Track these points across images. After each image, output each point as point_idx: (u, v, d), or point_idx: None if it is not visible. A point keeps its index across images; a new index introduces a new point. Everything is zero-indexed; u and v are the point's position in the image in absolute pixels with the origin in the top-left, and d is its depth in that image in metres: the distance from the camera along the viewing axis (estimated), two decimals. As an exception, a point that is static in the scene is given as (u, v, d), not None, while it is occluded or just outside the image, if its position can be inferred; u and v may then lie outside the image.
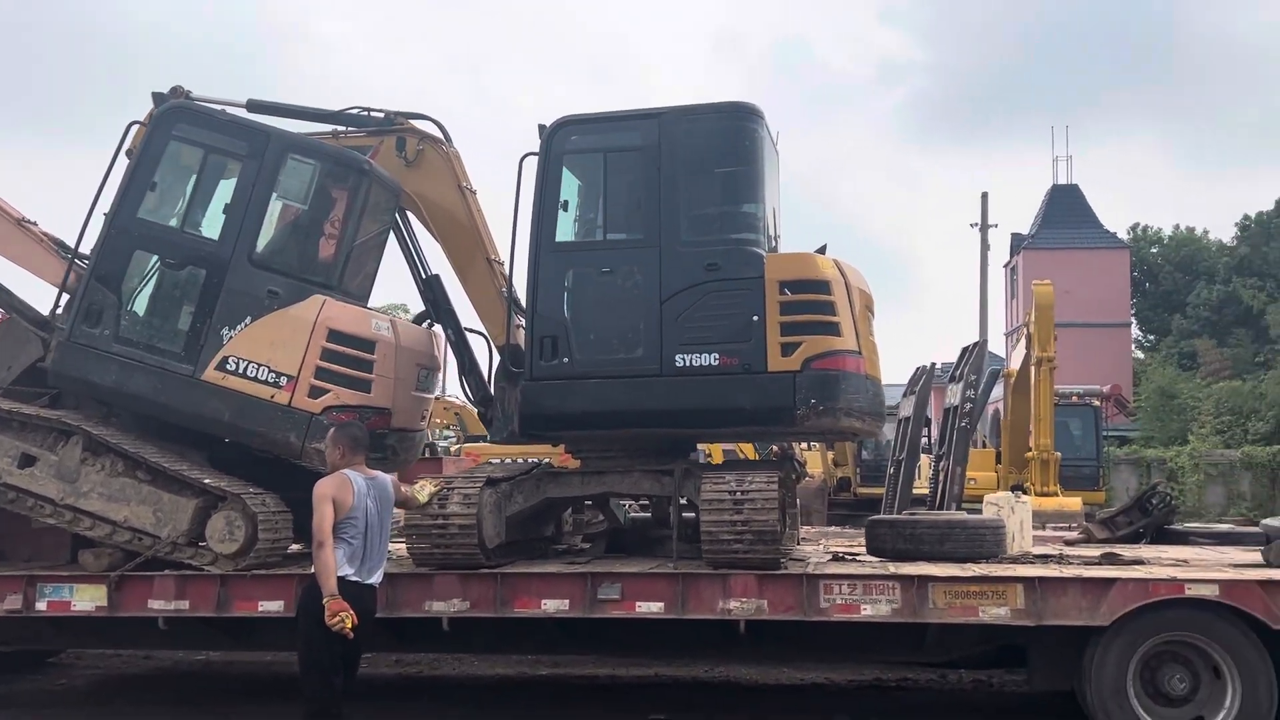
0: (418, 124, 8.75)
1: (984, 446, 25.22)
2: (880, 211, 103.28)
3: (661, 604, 6.83)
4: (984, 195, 33.86)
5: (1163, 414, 36.21)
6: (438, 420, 24.21)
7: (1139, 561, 7.55)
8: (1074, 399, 24.07)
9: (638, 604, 6.84)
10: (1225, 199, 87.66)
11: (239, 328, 7.47)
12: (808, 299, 7.14)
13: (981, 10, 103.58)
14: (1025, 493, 20.02)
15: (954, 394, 14.36)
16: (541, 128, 7.63)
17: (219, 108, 7.82)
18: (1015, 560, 7.58)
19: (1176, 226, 53.68)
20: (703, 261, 7.22)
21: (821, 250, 7.70)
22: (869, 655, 8.08)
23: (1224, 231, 59.19)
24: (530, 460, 8.85)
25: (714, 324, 7.16)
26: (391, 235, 8.67)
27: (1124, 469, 31.69)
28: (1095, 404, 23.52)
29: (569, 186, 7.61)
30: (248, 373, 7.43)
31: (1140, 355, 49.72)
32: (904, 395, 17.93)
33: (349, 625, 5.57)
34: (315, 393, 7.44)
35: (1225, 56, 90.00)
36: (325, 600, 5.61)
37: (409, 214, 8.78)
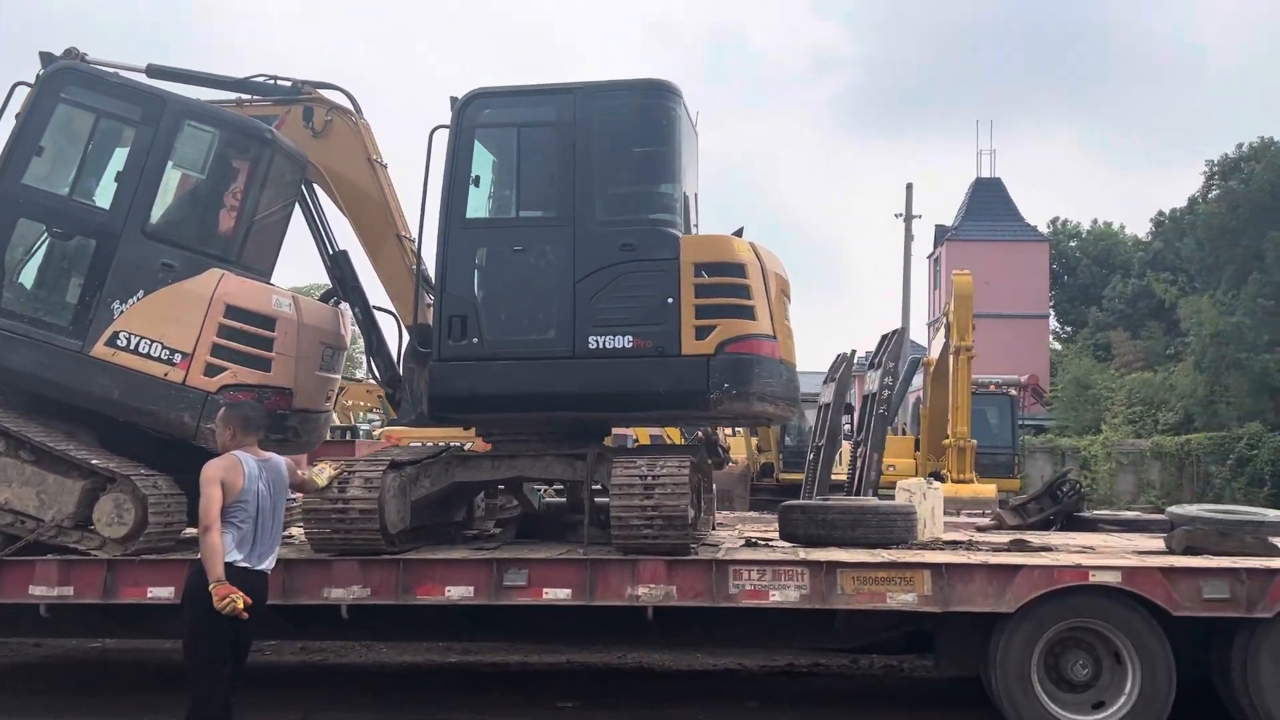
0: (327, 94, 8.46)
1: (904, 434, 25.56)
2: (810, 200, 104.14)
3: (569, 590, 6.68)
4: (909, 186, 34.38)
5: (1077, 404, 37.09)
6: (361, 404, 23.75)
7: (1047, 548, 7.61)
8: (991, 388, 24.46)
9: (545, 590, 6.69)
10: (1143, 196, 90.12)
11: (130, 302, 7.13)
12: (723, 282, 7.02)
13: (911, 5, 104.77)
14: (942, 480, 20.33)
15: (873, 381, 14.43)
16: (454, 100, 7.40)
17: (112, 71, 7.43)
18: (926, 546, 7.59)
19: (1095, 221, 55.01)
20: (617, 241, 7.06)
21: (738, 233, 7.59)
22: (779, 641, 8.04)
23: (1140, 227, 60.88)
24: (441, 444, 8.59)
25: (628, 306, 7.02)
26: (298, 209, 8.38)
27: (1039, 457, 32.39)
28: (1012, 393, 23.92)
29: (481, 161, 7.38)
30: (139, 349, 7.10)
31: (1058, 346, 50.90)
32: (824, 382, 18.04)
33: (240, 605, 5.33)
34: (211, 370, 7.14)
35: (1148, 58, 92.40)
36: (211, 586, 5.36)
37: (316, 187, 8.50)
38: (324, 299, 8.50)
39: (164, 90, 7.48)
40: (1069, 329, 52.62)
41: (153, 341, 7.10)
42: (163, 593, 6.82)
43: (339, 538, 6.75)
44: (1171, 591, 6.29)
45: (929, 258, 51.12)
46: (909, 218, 33.82)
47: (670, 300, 6.97)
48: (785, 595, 6.58)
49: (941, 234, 49.99)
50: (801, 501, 8.27)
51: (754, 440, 24.58)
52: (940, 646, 7.12)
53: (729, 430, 28.91)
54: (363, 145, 8.31)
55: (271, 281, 8.45)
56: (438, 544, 7.53)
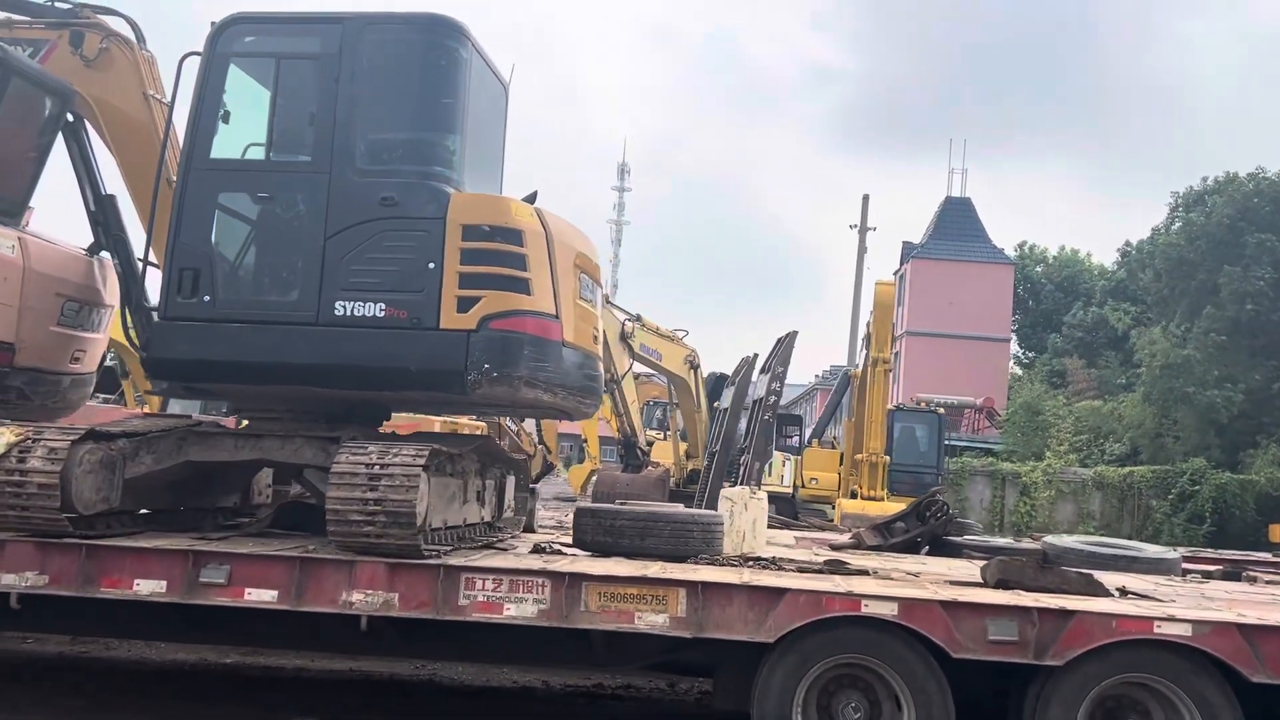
0: (108, 20, 7.56)
1: (834, 447, 24.80)
2: (797, 209, 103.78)
3: (275, 592, 5.73)
4: (865, 198, 33.61)
5: (1027, 429, 36.40)
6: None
7: (864, 572, 6.77)
8: (922, 405, 23.73)
9: (247, 591, 5.75)
10: (1116, 225, 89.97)
11: None
12: (494, 248, 6.14)
13: (908, 24, 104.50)
14: (854, 495, 19.50)
15: (760, 385, 13.59)
16: (212, 25, 6.51)
17: None
18: (724, 561, 6.70)
19: (1062, 248, 54.48)
20: (378, 194, 6.17)
21: (530, 198, 6.71)
22: (525, 659, 7.10)
23: (1108, 256, 60.33)
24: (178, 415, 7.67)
25: (384, 268, 6.13)
26: (62, 146, 7.45)
27: (979, 480, 31.66)
28: (940, 412, 23.16)
29: (237, 96, 6.47)
30: None
31: (1019, 371, 50.30)
32: (725, 385, 17.18)
33: None
34: (-94, 315, 6.22)
35: (1128, 94, 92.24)
36: None
37: (89, 124, 7.58)
38: (91, 251, 7.57)
39: None
40: (1030, 354, 52.05)
41: None
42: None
43: (14, 514, 5.80)
44: (953, 630, 5.42)
45: (894, 274, 50.48)
46: (863, 229, 33.13)
47: (432, 265, 6.08)
48: (522, 610, 5.67)
49: (908, 251, 49.31)
50: (593, 505, 7.39)
51: (684, 446, 23.77)
52: (717, 675, 6.26)
53: (662, 434, 28.22)
54: (139, 78, 7.41)
55: (27, 224, 7.57)
56: (182, 530, 6.62)
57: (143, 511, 6.94)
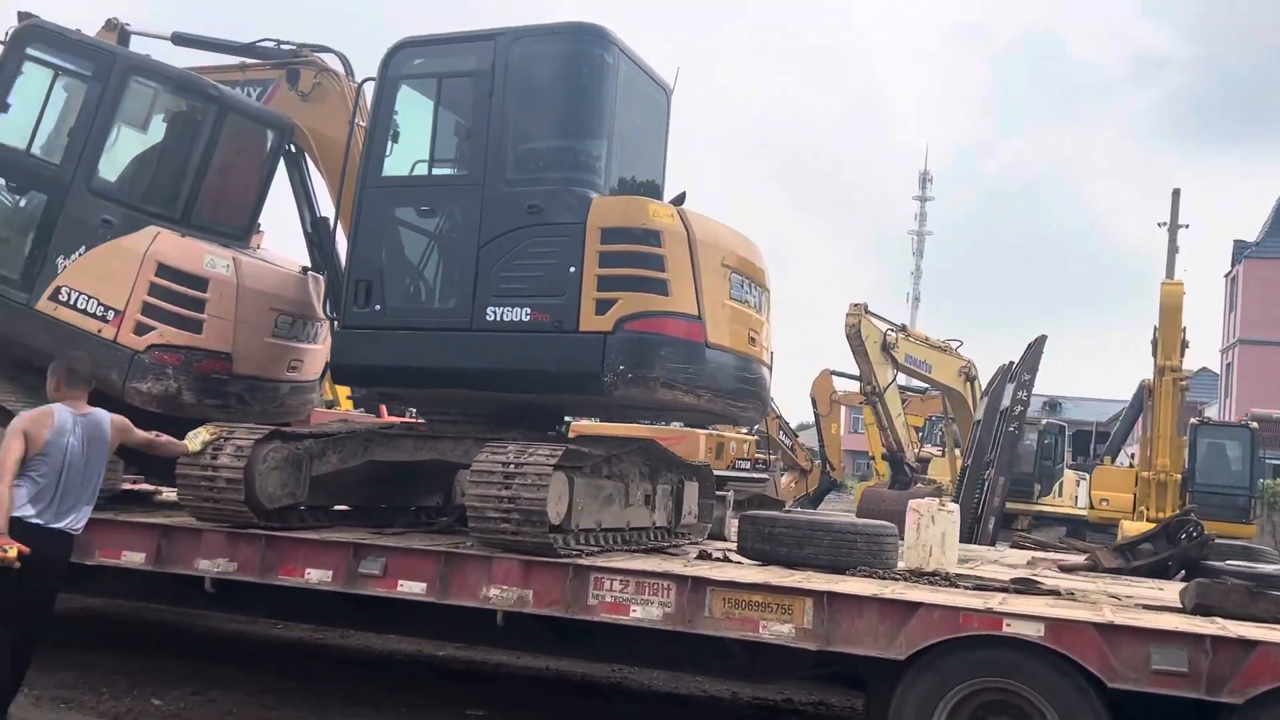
0: (322, 57, 8.29)
1: (1131, 465, 22.66)
2: (1117, 213, 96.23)
3: (424, 584, 6.02)
4: (1175, 192, 30.54)
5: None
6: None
7: (1055, 593, 6.11)
8: (1238, 420, 21.17)
9: (400, 582, 6.07)
10: None
11: (73, 257, 7.17)
12: (631, 250, 6.15)
13: (1252, 3, 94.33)
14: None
15: (1006, 395, 12.67)
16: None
17: (74, 29, 7.54)
18: (883, 574, 6.28)
19: None
20: (524, 203, 6.36)
21: (678, 200, 6.66)
22: (668, 663, 6.95)
23: None
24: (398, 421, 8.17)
25: (529, 274, 6.31)
26: (284, 173, 8.25)
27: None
28: (1253, 426, 20.53)
29: (407, 116, 6.88)
30: (78, 304, 7.13)
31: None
32: (980, 397, 16.17)
33: (11, 556, 5.11)
34: (141, 329, 7.06)
35: None
36: None
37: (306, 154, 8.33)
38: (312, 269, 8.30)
39: (115, 46, 7.54)
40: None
41: (90, 297, 7.11)
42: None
43: (207, 506, 6.45)
44: (1109, 656, 4.77)
45: (1225, 276, 45.59)
46: (1173, 227, 30.09)
47: (573, 269, 6.18)
48: (647, 612, 5.61)
49: (1240, 250, 44.34)
50: (753, 513, 7.15)
51: (960, 460, 22.64)
52: (869, 692, 5.88)
53: (939, 449, 26.96)
54: (348, 108, 8.05)
55: (258, 246, 8.41)
56: (374, 526, 7.10)
57: (340, 507, 7.52)
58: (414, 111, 6.91)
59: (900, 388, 22.38)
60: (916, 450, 22.75)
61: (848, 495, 36.00)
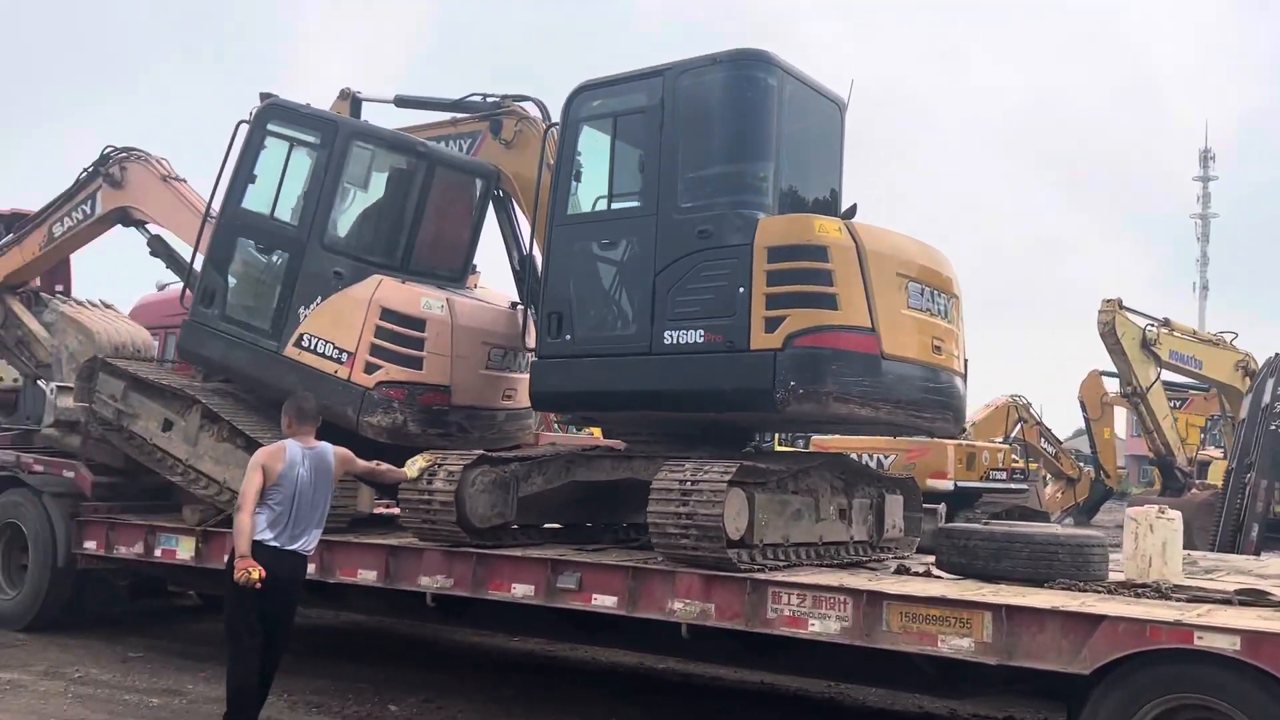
0: (524, 106, 8.89)
1: None
2: None
3: (615, 598, 6.32)
4: None
5: None
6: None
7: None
8: None
9: (594, 596, 6.40)
10: None
11: (312, 307, 8.04)
12: (798, 267, 6.23)
13: None
14: None
15: (1267, 390, 11.57)
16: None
17: (304, 103, 8.46)
18: (1084, 586, 5.98)
19: None
20: (696, 228, 6.58)
21: (849, 213, 6.67)
22: (876, 679, 6.84)
23: None
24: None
25: (702, 297, 6.50)
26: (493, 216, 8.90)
27: None
28: None
29: (590, 154, 7.27)
30: (318, 349, 7.98)
31: None
32: (1245, 394, 14.78)
33: (254, 577, 5.85)
34: (369, 368, 7.81)
35: None
36: (236, 558, 5.94)
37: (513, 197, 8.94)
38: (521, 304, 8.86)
39: (338, 115, 8.39)
40: None
41: (327, 342, 7.95)
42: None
43: (426, 527, 7.04)
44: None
45: None
46: None
47: (742, 290, 6.33)
48: (825, 626, 5.64)
49: None
50: (950, 525, 6.96)
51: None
52: (1070, 705, 5.63)
53: (1217, 449, 24.72)
54: (547, 153, 8.58)
55: (475, 285, 9.08)
56: (580, 543, 7.51)
57: (553, 525, 7.97)
58: (595, 150, 7.29)
59: (1171, 386, 20.81)
60: (1191, 452, 21.01)
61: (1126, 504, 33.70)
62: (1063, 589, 5.93)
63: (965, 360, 7.27)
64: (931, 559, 7.69)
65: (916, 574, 6.67)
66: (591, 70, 7.72)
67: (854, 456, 15.80)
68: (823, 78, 7.12)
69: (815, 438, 19.94)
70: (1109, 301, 16.90)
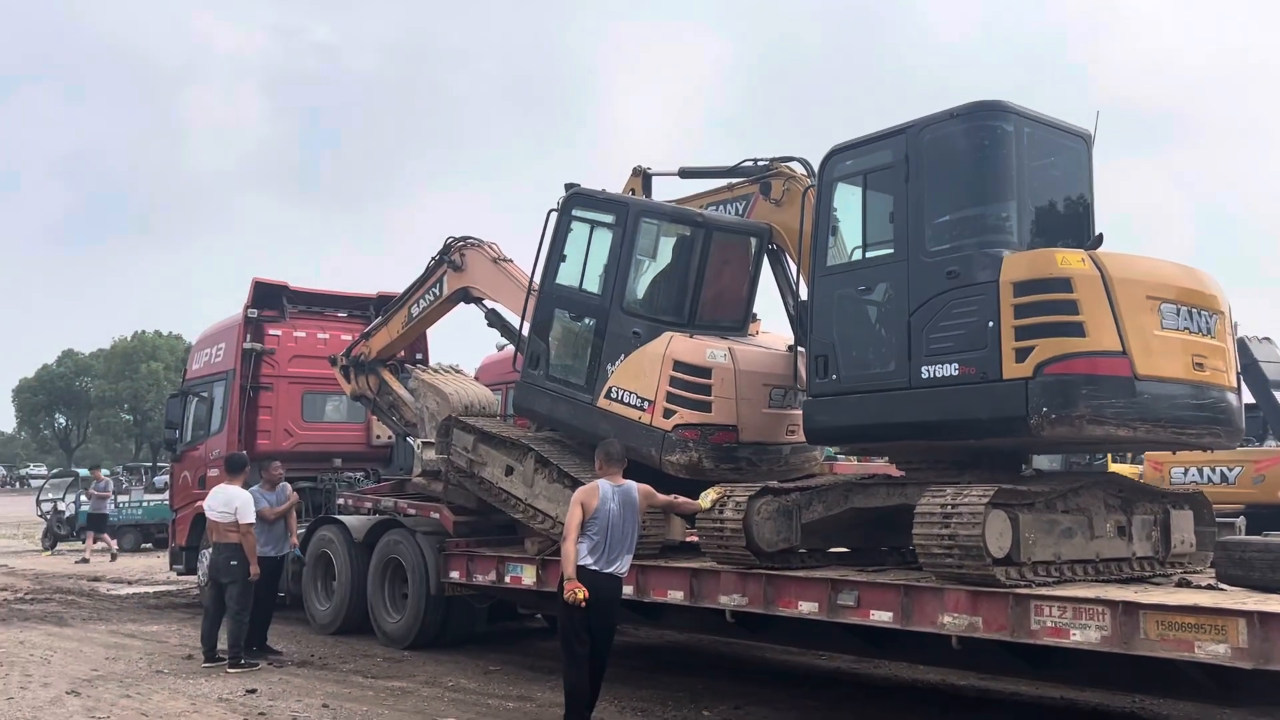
0: (791, 166, 9.76)
1: None
2: None
3: (891, 614, 6.94)
4: None
5: None
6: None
7: None
8: None
9: (872, 612, 7.06)
10: None
11: (617, 363, 9.28)
12: (1043, 299, 6.64)
13: None
14: None
15: None
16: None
17: (600, 189, 9.76)
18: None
19: None
20: (944, 270, 7.14)
21: (1094, 243, 6.98)
22: (1172, 692, 6.90)
23: None
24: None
25: (954, 333, 7.04)
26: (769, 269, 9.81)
27: None
28: None
29: (843, 210, 8.01)
30: (624, 399, 9.20)
31: None
32: None
33: (580, 597, 7.05)
34: (667, 414, 8.91)
35: None
36: (564, 581, 7.17)
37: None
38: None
39: (629, 197, 9.60)
40: None
41: (631, 393, 9.15)
42: (677, 595, 8.44)
43: (720, 551, 7.97)
44: None
45: None
46: None
47: (991, 324, 6.82)
48: (1086, 635, 5.99)
49: None
50: (1228, 538, 6.94)
51: None
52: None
53: None
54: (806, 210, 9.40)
55: (756, 333, 10.01)
56: (861, 565, 8.19)
57: (836, 549, 8.68)
58: (849, 205, 8.02)
59: None
60: None
61: None
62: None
63: (1238, 373, 7.29)
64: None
65: (1198, 587, 6.81)
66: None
67: (1195, 470, 15.19)
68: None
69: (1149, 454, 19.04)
70: None
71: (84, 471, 31.06)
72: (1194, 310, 6.95)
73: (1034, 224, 7.21)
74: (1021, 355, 6.66)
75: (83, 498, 26.76)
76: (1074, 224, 7.48)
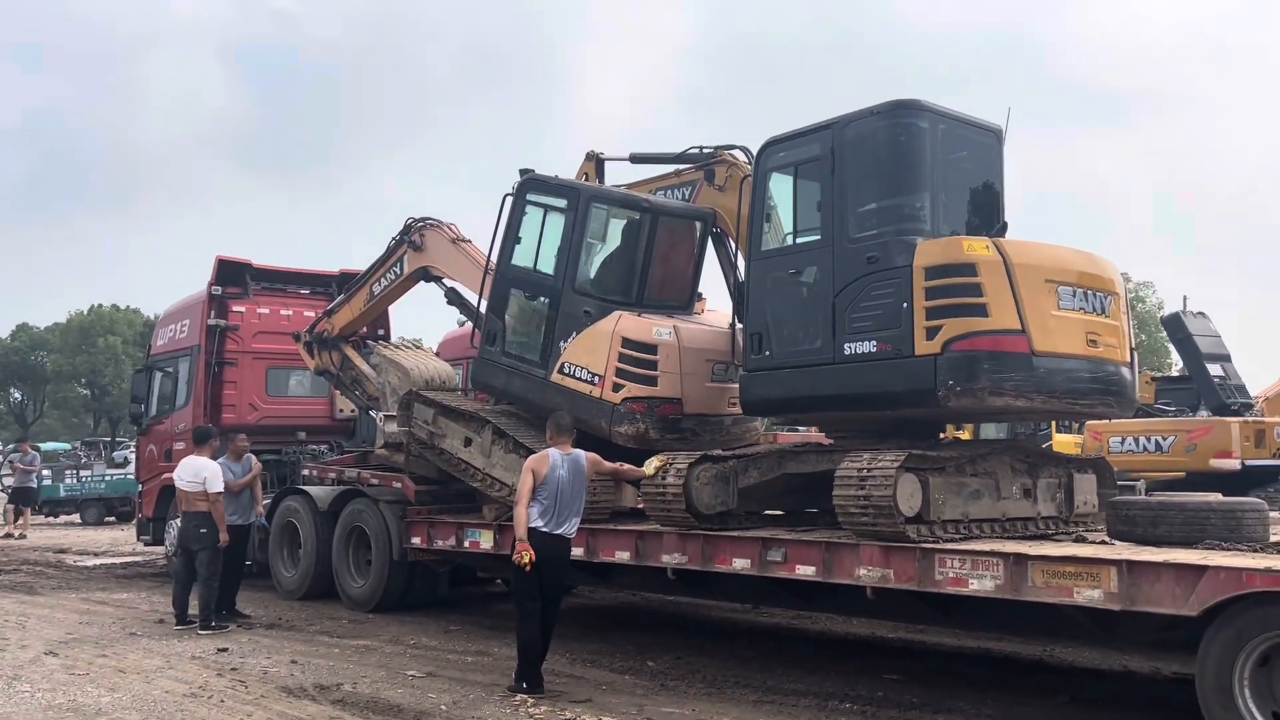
0: (734, 153, 10.36)
1: None
2: None
3: (813, 568, 7.64)
4: None
5: None
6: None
7: None
8: None
9: (797, 566, 7.75)
10: None
11: (569, 340, 9.87)
12: (951, 283, 7.31)
13: None
14: None
15: None
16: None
17: (553, 175, 10.32)
18: (1227, 545, 6.66)
19: None
20: (864, 255, 7.79)
21: (1000, 231, 7.66)
22: (1063, 636, 7.68)
23: None
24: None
25: (873, 313, 7.70)
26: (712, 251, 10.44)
27: None
28: None
29: (776, 200, 8.64)
30: (576, 374, 9.80)
31: None
32: None
33: (526, 560, 7.68)
34: (616, 388, 9.51)
35: None
36: (516, 542, 7.80)
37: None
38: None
39: (580, 183, 10.18)
40: None
41: (582, 368, 9.76)
42: (674, 559, 8.88)
43: (663, 514, 8.62)
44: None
45: None
46: None
47: (905, 305, 7.48)
48: (982, 584, 6.71)
49: None
50: (1117, 498, 7.70)
51: None
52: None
53: None
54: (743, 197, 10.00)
55: (701, 310, 10.65)
56: (792, 527, 8.86)
57: (771, 512, 9.36)
58: (782, 193, 8.65)
59: None
60: None
61: None
62: (1207, 549, 6.65)
63: (1133, 349, 8.03)
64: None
65: (1092, 542, 7.55)
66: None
67: (1132, 440, 15.89)
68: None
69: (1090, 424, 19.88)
70: None
71: (12, 446, 30.06)
72: (1090, 292, 7.66)
73: (946, 213, 7.88)
74: (931, 334, 7.33)
75: (5, 470, 25.91)
76: (984, 213, 8.15)
